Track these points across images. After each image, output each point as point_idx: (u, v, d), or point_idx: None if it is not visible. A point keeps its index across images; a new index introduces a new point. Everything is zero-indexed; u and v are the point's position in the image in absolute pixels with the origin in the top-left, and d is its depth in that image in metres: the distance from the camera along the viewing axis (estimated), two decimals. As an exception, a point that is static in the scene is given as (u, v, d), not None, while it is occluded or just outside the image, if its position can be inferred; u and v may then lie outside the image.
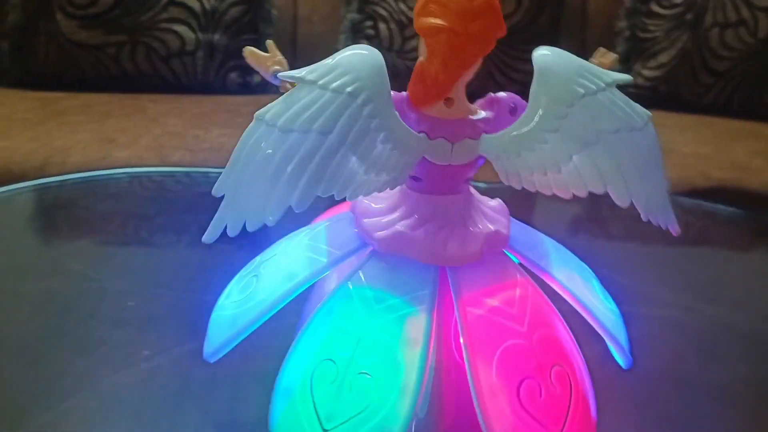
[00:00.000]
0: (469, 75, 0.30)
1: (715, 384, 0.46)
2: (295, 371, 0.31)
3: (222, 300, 0.35)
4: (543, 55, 0.29)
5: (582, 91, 0.28)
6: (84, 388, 0.42)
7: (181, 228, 0.69)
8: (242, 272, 0.36)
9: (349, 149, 0.27)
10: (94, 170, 0.91)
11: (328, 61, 0.28)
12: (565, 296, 0.34)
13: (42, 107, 1.17)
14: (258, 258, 0.36)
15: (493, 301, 0.31)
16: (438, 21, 0.28)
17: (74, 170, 0.94)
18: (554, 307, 0.33)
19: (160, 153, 0.99)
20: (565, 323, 0.33)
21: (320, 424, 0.29)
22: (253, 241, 0.40)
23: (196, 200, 0.75)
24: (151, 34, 1.30)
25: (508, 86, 1.32)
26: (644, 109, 0.29)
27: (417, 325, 0.30)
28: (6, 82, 1.33)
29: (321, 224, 0.35)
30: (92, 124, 1.08)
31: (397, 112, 0.29)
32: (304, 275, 0.32)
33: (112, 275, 0.56)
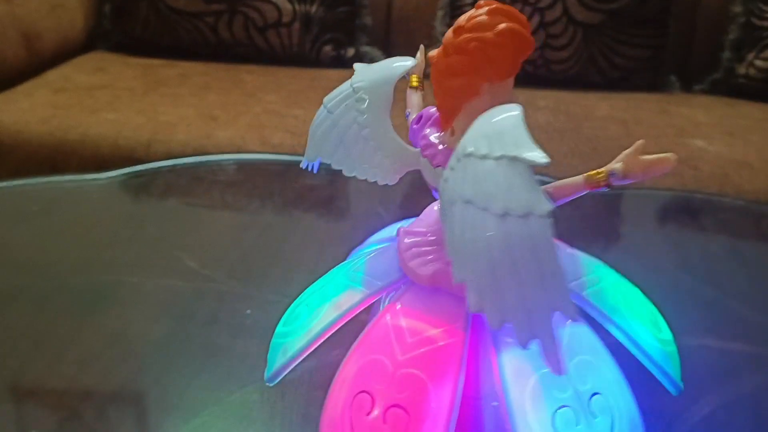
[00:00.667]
0: (466, 111, 0.29)
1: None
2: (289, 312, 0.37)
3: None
4: (492, 108, 0.26)
5: (470, 149, 0.25)
6: (212, 404, 0.42)
7: (291, 224, 0.69)
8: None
9: (341, 131, 0.35)
10: (199, 150, 0.93)
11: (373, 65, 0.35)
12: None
13: (143, 75, 1.19)
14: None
15: None
16: (436, 50, 0.30)
17: (180, 149, 0.96)
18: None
19: (261, 134, 0.98)
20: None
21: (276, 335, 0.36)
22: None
23: (304, 192, 0.74)
24: (248, 4, 1.29)
25: (609, 72, 1.27)
26: (539, 203, 0.23)
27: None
28: (107, 46, 1.36)
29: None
30: (193, 97, 1.09)
31: (389, 122, 0.34)
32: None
33: (228, 275, 0.56)
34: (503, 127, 0.25)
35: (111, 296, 0.53)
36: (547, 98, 1.18)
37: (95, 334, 0.48)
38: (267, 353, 0.46)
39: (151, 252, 0.60)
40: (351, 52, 1.34)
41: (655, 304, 0.37)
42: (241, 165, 0.80)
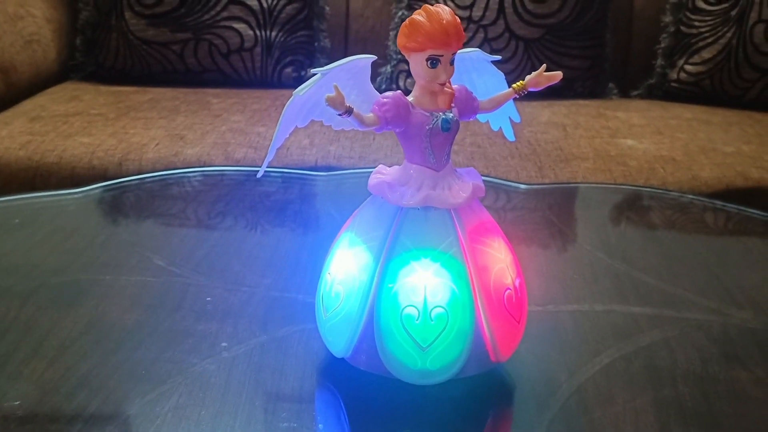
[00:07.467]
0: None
1: (737, 385, 0.50)
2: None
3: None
4: None
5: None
6: (176, 374, 0.48)
7: (250, 225, 0.76)
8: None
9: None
10: (168, 167, 1.00)
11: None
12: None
13: (115, 102, 1.25)
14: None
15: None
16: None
17: (150, 166, 1.02)
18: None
19: (225, 150, 1.05)
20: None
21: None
22: (316, 244, 0.47)
23: (262, 198, 0.82)
24: (212, 32, 1.37)
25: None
26: (297, 89, 0.44)
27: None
28: (80, 76, 1.42)
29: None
30: (163, 120, 1.15)
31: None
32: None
33: (192, 271, 0.62)
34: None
35: (87, 292, 0.58)
36: (494, 108, 1.26)
37: (73, 322, 0.53)
38: (225, 334, 0.53)
39: (123, 254, 0.66)
40: (311, 73, 1.42)
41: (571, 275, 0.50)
42: (205, 176, 0.86)
